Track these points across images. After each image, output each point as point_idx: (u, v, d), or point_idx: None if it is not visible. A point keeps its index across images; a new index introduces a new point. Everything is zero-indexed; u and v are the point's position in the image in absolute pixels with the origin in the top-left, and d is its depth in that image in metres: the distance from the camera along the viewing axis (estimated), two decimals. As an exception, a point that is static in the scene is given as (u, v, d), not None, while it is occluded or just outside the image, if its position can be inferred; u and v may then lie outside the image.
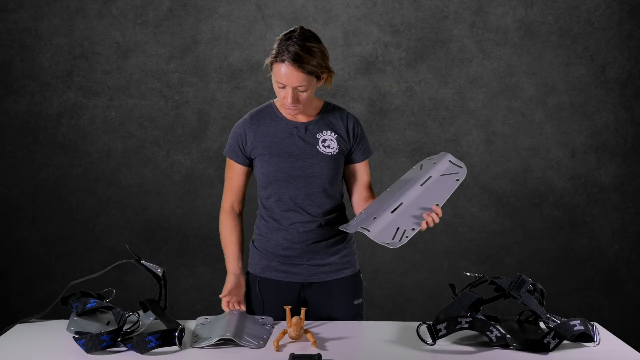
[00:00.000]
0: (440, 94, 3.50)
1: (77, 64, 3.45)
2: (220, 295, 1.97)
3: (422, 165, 1.98)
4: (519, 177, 3.52)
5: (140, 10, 3.44)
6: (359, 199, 2.10)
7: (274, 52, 1.90)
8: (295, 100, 1.91)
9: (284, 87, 1.90)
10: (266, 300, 2.06)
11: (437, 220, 1.83)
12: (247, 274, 2.14)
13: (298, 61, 1.86)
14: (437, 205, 1.84)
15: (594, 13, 3.45)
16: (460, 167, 1.92)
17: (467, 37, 3.47)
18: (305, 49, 1.88)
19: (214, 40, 3.46)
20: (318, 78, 1.93)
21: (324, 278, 2.07)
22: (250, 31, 3.45)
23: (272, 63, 1.91)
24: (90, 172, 3.49)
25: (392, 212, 1.87)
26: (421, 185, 1.90)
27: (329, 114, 2.06)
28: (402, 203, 1.87)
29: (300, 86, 1.89)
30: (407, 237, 1.82)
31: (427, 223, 1.82)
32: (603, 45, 3.46)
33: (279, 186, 2.01)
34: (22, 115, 3.46)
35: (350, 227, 1.89)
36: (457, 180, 1.89)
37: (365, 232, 1.86)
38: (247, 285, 2.12)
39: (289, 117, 2.03)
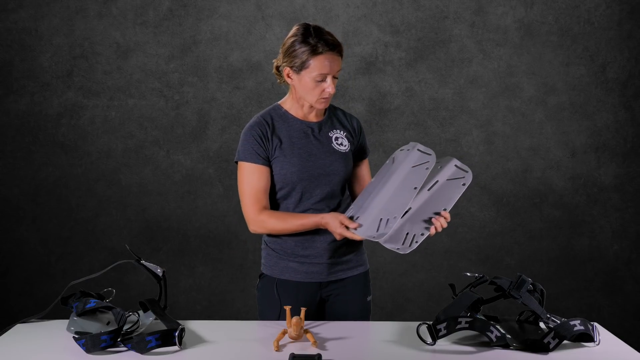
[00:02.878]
0: (440, 94, 3.50)
1: (77, 64, 3.45)
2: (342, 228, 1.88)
3: (440, 167, 1.97)
4: (519, 177, 3.52)
5: (140, 10, 3.44)
6: None
7: (306, 50, 1.91)
8: (333, 88, 1.96)
9: (323, 80, 1.94)
10: (284, 302, 2.03)
11: (445, 225, 1.86)
12: (260, 276, 2.12)
13: (336, 46, 1.93)
14: (445, 210, 1.86)
15: (594, 13, 3.45)
16: (466, 171, 1.92)
17: (467, 37, 3.47)
18: (333, 36, 1.95)
19: (214, 40, 3.46)
20: None
21: (340, 276, 2.08)
22: (250, 31, 3.45)
23: (307, 60, 1.91)
24: (90, 172, 3.49)
25: (401, 217, 1.88)
26: (428, 190, 1.90)
27: (334, 113, 2.12)
28: (410, 208, 1.88)
29: (337, 72, 1.96)
30: (416, 242, 1.84)
31: (435, 228, 1.85)
32: (603, 45, 3.46)
33: (302, 186, 2.01)
34: (22, 115, 3.46)
35: (358, 232, 1.90)
36: (464, 185, 1.90)
37: (377, 239, 1.87)
38: (262, 287, 2.10)
39: (320, 107, 2.01)
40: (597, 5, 3.44)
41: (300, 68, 1.93)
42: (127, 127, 3.48)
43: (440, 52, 3.48)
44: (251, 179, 1.99)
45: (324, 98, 1.97)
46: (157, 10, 3.44)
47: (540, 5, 3.45)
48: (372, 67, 3.48)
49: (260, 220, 1.99)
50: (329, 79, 1.94)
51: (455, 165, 1.93)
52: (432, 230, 1.85)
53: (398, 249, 1.84)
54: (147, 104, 3.48)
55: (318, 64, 1.91)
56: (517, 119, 3.50)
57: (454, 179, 1.91)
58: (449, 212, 1.87)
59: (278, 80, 2.06)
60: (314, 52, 1.90)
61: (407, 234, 1.85)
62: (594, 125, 3.50)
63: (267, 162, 2.00)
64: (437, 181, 1.91)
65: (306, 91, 1.96)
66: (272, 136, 2.00)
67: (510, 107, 3.50)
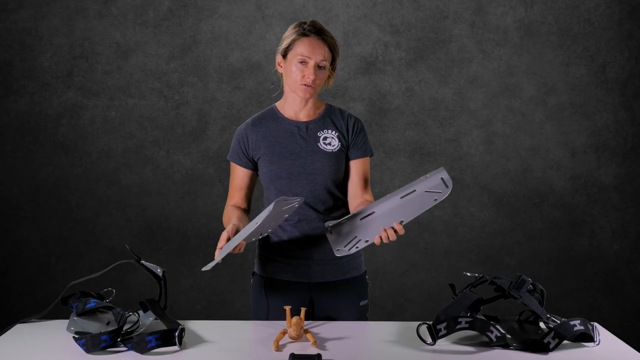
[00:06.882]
0: (440, 94, 3.50)
1: (77, 64, 3.45)
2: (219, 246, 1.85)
3: (426, 177, 1.93)
4: (519, 177, 3.52)
5: (140, 10, 3.44)
6: (351, 197, 2.09)
7: (294, 32, 1.99)
8: (315, 77, 1.97)
9: (305, 64, 1.96)
10: (271, 301, 2.05)
11: (393, 237, 1.80)
12: (253, 274, 2.15)
13: (321, 33, 1.98)
14: (401, 222, 1.81)
15: (594, 13, 3.45)
16: (447, 187, 1.82)
17: (467, 37, 3.47)
18: (323, 27, 2.02)
19: (214, 40, 3.46)
20: (332, 61, 2.02)
21: (330, 278, 2.07)
22: (250, 31, 3.45)
23: (293, 41, 1.98)
24: (90, 172, 3.49)
25: (361, 219, 1.86)
26: (401, 198, 1.82)
27: (330, 114, 2.10)
28: (373, 212, 1.84)
29: (322, 61, 1.97)
30: (356, 247, 1.86)
31: (382, 238, 1.81)
32: (603, 45, 3.47)
33: (281, 184, 2.02)
34: (22, 115, 3.46)
35: (329, 226, 1.91)
36: (435, 200, 1.81)
37: (328, 235, 1.89)
38: (253, 286, 2.13)
39: (302, 98, 2.03)
40: (597, 5, 3.45)
41: (287, 51, 2.00)
42: (127, 127, 3.48)
43: (440, 52, 3.48)
44: (232, 176, 2.12)
45: (304, 85, 1.97)
46: (157, 10, 3.44)
47: (540, 5, 3.45)
48: (372, 67, 3.48)
49: (223, 213, 2.10)
50: (310, 64, 1.96)
51: (441, 178, 1.81)
52: (377, 240, 1.82)
53: (338, 250, 1.87)
54: (147, 104, 3.48)
55: (301, 45, 1.97)
56: (517, 119, 3.50)
57: (431, 192, 1.82)
58: (418, 224, 1.82)
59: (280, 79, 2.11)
60: (300, 34, 1.98)
61: (355, 237, 1.85)
62: (594, 125, 3.50)
63: (249, 165, 2.08)
64: (414, 190, 1.81)
65: (289, 76, 1.99)
66: (256, 138, 2.05)
67: (510, 107, 3.50)
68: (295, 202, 1.79)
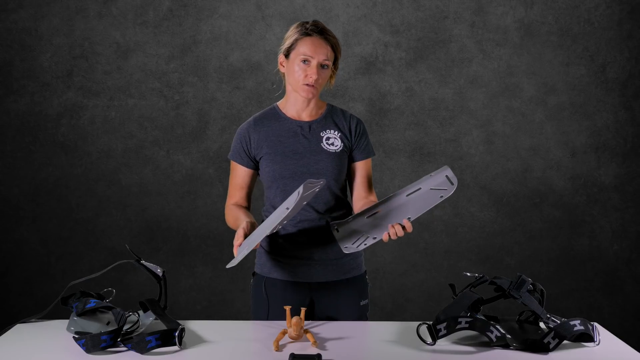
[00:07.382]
0: (440, 94, 3.50)
1: (77, 64, 3.45)
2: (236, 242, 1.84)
3: (431, 175, 1.95)
4: (519, 177, 3.52)
5: (140, 10, 3.44)
6: (356, 198, 2.11)
7: (297, 32, 1.99)
8: (318, 77, 1.97)
9: (308, 64, 1.96)
10: (272, 300, 2.05)
11: (401, 233, 1.82)
12: (253, 274, 2.15)
13: (324, 33, 1.99)
14: (408, 218, 1.83)
15: (594, 13, 3.45)
16: (452, 184, 1.84)
17: (467, 37, 3.47)
18: (325, 26, 2.02)
19: (214, 40, 3.46)
20: (334, 60, 2.03)
21: (330, 278, 2.07)
22: (250, 31, 3.46)
23: (296, 41, 1.98)
24: (90, 172, 3.49)
25: (367, 217, 1.87)
26: (407, 195, 1.85)
27: (332, 114, 2.10)
28: (380, 210, 1.86)
29: (325, 60, 1.97)
30: (365, 244, 1.86)
31: (389, 235, 1.82)
32: (603, 45, 3.47)
33: (284, 184, 2.02)
34: (22, 115, 3.46)
35: (335, 224, 1.93)
36: (441, 197, 1.83)
37: (334, 232, 1.90)
38: (253, 286, 2.13)
39: (305, 98, 2.03)
40: (597, 5, 3.45)
41: (289, 50, 2.00)
42: (127, 127, 3.48)
43: (440, 52, 3.48)
44: (232, 175, 2.11)
45: (306, 85, 1.98)
46: (157, 10, 3.44)
47: (540, 5, 3.45)
48: (372, 67, 3.48)
49: (225, 212, 2.10)
50: (313, 64, 1.96)
51: (446, 176, 1.83)
52: (385, 237, 1.83)
53: (346, 247, 1.88)
54: (147, 104, 3.48)
55: (303, 45, 1.97)
56: (517, 119, 3.50)
57: (436, 189, 1.84)
58: (424, 220, 1.83)
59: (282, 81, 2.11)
60: (303, 33, 1.98)
61: (363, 234, 1.87)
62: (594, 125, 3.50)
63: (250, 165, 2.08)
64: (419, 188, 1.84)
65: (292, 76, 2.00)
66: (259, 137, 2.05)
67: (510, 107, 3.50)
68: (318, 185, 1.76)
